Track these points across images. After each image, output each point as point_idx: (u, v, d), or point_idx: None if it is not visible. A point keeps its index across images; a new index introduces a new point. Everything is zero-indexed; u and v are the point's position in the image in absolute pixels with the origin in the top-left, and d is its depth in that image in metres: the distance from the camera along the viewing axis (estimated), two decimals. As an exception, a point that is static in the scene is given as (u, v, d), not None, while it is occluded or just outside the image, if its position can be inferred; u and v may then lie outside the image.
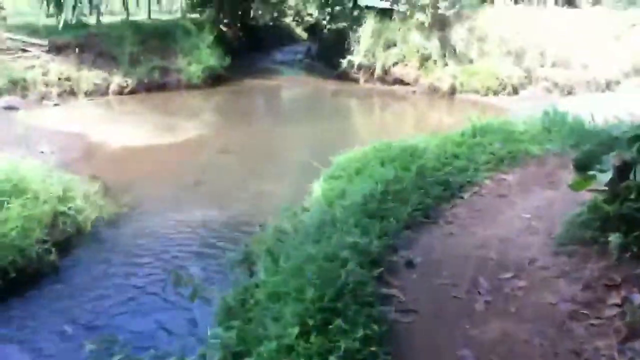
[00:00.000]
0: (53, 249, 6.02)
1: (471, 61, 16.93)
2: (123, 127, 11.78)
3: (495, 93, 16.35)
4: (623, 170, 3.64)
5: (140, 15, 19.83)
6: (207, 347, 3.39)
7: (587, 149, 5.75)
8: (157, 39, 17.16)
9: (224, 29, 22.94)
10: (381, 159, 6.48)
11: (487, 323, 3.27)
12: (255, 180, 9.32)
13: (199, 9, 22.39)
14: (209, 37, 18.56)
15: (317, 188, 7.40)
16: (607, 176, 3.49)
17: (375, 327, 3.05)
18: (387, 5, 16.86)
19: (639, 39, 16.21)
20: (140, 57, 16.05)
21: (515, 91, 16.49)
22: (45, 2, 15.00)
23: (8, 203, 6.07)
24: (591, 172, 3.61)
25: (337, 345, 2.69)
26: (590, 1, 18.77)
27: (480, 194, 5.58)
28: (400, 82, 17.87)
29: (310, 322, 2.86)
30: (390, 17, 17.53)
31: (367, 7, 17.55)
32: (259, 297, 3.74)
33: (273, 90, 18.46)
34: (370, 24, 17.95)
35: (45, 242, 6.03)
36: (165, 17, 20.65)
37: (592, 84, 16.09)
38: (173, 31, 17.91)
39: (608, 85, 16.16)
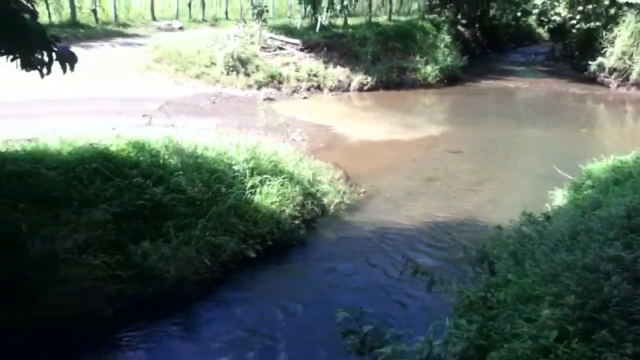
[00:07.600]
0: (302, 225, 6.73)
1: None
2: (362, 122, 12.52)
3: None
4: None
5: (381, 17, 20.76)
6: (449, 336, 3.46)
7: None
8: (397, 39, 17.82)
9: (462, 29, 22.74)
10: (645, 170, 5.80)
11: None
12: (488, 182, 9.10)
13: (437, 9, 22.55)
14: (446, 38, 18.64)
15: (560, 197, 6.94)
16: None
17: (647, 347, 2.77)
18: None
19: None
20: (380, 56, 16.84)
21: None
22: (303, 5, 16.66)
23: (269, 181, 6.97)
24: None
25: (603, 356, 2.52)
26: None
27: None
28: (663, 88, 15.71)
29: (571, 328, 2.73)
30: (656, 16, 15.44)
31: (628, 5, 15.68)
32: (503, 296, 3.67)
33: (510, 92, 17.69)
34: (629, 23, 16.09)
35: (295, 218, 6.77)
36: (404, 17, 21.29)
37: None
38: (412, 32, 18.42)
39: None
